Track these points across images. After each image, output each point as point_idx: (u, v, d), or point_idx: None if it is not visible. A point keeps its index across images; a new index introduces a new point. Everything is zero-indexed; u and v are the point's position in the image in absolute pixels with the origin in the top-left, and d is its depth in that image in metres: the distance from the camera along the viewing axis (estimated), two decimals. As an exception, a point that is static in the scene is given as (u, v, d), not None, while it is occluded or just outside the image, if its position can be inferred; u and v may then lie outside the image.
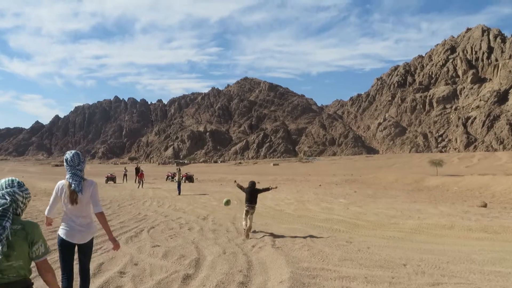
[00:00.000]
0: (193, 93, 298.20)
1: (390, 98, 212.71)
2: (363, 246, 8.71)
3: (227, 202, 11.18)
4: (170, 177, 42.63)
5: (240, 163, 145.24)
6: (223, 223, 12.04)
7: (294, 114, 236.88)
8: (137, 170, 35.15)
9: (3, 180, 2.85)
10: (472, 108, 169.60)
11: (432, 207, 16.49)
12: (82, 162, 4.41)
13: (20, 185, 2.87)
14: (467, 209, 15.66)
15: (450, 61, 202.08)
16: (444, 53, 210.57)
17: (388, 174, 45.62)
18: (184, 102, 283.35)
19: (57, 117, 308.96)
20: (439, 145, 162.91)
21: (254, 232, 10.38)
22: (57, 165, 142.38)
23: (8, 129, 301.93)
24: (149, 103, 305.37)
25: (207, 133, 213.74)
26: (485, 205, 17.11)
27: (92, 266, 6.61)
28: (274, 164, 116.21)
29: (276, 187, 11.62)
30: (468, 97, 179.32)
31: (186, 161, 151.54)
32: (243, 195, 11.24)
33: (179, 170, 27.64)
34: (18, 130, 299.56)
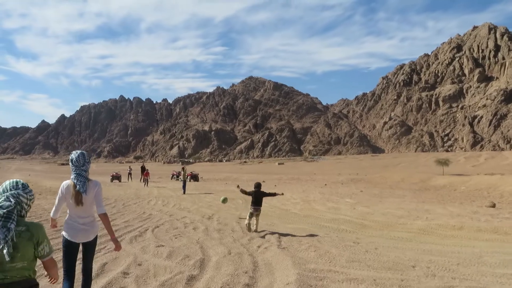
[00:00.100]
0: (198, 93, 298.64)
1: (395, 97, 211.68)
2: (371, 247, 8.55)
3: (224, 200, 11.98)
4: (175, 176, 42.60)
5: (245, 162, 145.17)
6: (228, 222, 11.91)
7: (299, 113, 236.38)
8: (143, 169, 35.18)
9: (7, 182, 2.88)
10: (479, 107, 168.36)
11: (440, 207, 16.27)
12: (87, 162, 4.43)
13: (25, 186, 2.91)
14: (476, 210, 15.42)
15: (457, 59, 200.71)
16: (451, 51, 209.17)
17: (394, 174, 45.31)
18: (189, 101, 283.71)
19: (63, 116, 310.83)
20: (445, 144, 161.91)
21: (260, 232, 10.24)
22: (63, 164, 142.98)
23: (14, 128, 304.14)
24: (154, 102, 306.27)
25: (212, 132, 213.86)
26: (494, 206, 16.86)
27: (95, 266, 6.51)
28: (279, 163, 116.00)
29: (282, 194, 11.45)
30: (475, 96, 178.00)
31: (191, 160, 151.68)
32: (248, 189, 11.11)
33: (184, 169, 27.58)
34: (25, 129, 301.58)
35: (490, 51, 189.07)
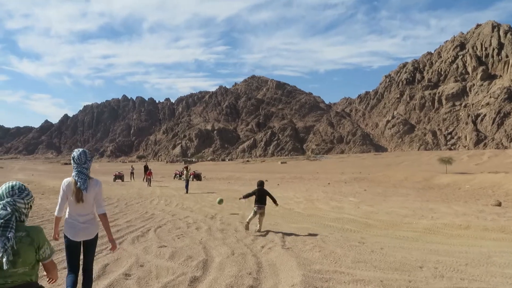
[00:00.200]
0: (200, 92, 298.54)
1: (398, 96, 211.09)
2: (377, 247, 8.41)
3: (220, 201, 12.61)
4: (178, 175, 42.55)
5: (247, 161, 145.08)
6: (231, 222, 11.80)
7: (301, 112, 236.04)
8: (146, 168, 35.16)
9: (3, 187, 2.84)
10: (482, 105, 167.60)
11: (445, 206, 16.10)
12: (89, 161, 4.48)
13: (21, 190, 2.87)
14: (481, 208, 15.25)
15: (460, 57, 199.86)
16: (454, 49, 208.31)
17: (397, 172, 45.06)
18: (192, 101, 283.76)
19: (66, 116, 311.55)
20: (448, 143, 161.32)
21: (264, 231, 10.12)
22: (66, 164, 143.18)
23: (18, 128, 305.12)
24: (157, 102, 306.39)
25: (215, 132, 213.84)
26: (499, 204, 16.68)
27: (97, 267, 6.42)
28: (282, 162, 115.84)
29: (277, 205, 11.13)
30: (478, 94, 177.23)
31: (194, 159, 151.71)
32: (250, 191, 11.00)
33: (187, 168, 27.47)
34: (28, 129, 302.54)
35: (493, 49, 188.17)
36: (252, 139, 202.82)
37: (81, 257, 4.59)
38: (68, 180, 4.43)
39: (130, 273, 6.22)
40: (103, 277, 6.01)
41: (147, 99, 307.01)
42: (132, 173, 40.77)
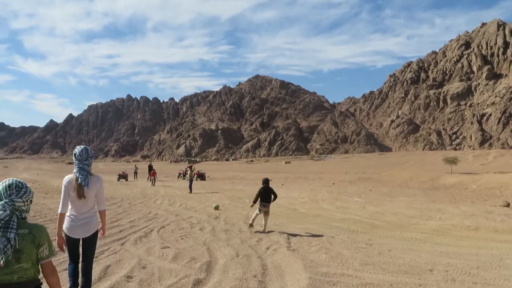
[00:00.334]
0: (204, 91, 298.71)
1: (403, 95, 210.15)
2: (384, 248, 8.22)
3: (217, 207, 14.75)
4: (181, 175, 42.46)
5: (251, 161, 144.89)
6: (235, 223, 11.63)
7: (305, 112, 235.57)
8: (150, 168, 35.08)
9: (0, 187, 2.84)
10: (487, 104, 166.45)
11: (453, 207, 15.86)
12: (90, 157, 4.51)
13: (19, 188, 2.86)
14: (490, 209, 14.98)
15: (465, 57, 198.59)
16: (459, 48, 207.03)
17: (402, 172, 44.72)
18: (196, 100, 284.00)
19: (70, 115, 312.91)
20: (453, 143, 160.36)
21: (268, 232, 9.95)
22: (70, 163, 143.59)
23: (23, 127, 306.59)
24: (161, 101, 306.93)
25: (219, 131, 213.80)
26: (508, 205, 16.42)
27: (98, 268, 6.27)
28: (286, 162, 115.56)
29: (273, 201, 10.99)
30: (483, 94, 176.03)
31: (198, 159, 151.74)
32: (255, 192, 10.83)
33: (191, 167, 27.31)
34: (33, 129, 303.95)
35: (499, 48, 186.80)
36: (256, 138, 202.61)
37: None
38: (69, 176, 4.45)
39: (132, 275, 6.07)
40: (104, 279, 5.86)
41: (151, 99, 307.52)
42: (135, 172, 40.70)
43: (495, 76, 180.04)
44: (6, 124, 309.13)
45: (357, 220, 12.43)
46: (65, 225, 4.43)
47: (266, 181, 10.57)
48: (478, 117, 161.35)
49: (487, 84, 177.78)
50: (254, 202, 10.47)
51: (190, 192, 22.80)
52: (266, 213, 10.24)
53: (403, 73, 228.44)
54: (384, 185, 30.66)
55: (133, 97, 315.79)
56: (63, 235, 4.52)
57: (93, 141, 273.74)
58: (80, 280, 4.63)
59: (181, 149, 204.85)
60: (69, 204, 4.43)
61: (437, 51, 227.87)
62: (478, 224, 11.16)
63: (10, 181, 2.87)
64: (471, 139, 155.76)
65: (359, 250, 8.06)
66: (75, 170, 4.44)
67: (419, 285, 5.71)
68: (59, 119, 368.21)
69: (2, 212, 2.70)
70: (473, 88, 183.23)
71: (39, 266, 2.86)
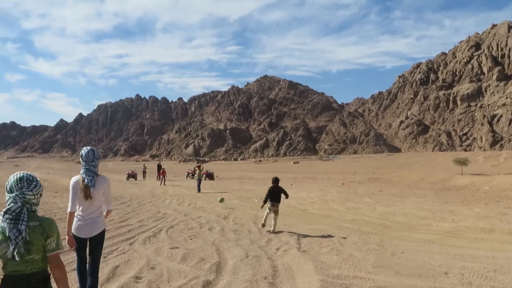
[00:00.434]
0: (213, 91, 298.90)
1: (412, 96, 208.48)
2: (397, 250, 8.04)
3: (221, 200, 15.52)
4: (190, 174, 42.47)
5: (260, 161, 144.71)
6: (245, 223, 11.52)
7: (314, 112, 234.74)
8: (159, 167, 35.16)
9: (12, 180, 2.89)
10: (498, 106, 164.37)
11: (465, 208, 15.58)
12: (97, 158, 4.58)
13: (29, 182, 2.90)
14: (504, 211, 14.68)
15: (475, 58, 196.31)
16: (469, 50, 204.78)
17: (412, 173, 44.22)
18: (204, 100, 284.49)
19: (80, 115, 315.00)
20: (463, 144, 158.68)
21: (278, 233, 9.82)
22: (80, 162, 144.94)
23: (34, 127, 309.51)
24: (170, 101, 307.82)
25: (227, 131, 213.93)
26: (521, 207, 16.10)
27: (107, 269, 6.20)
28: (294, 162, 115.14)
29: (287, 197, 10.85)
30: (494, 95, 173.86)
31: (206, 159, 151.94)
32: (264, 192, 10.71)
33: (200, 167, 27.28)
34: (44, 128, 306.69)
35: (509, 50, 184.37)
36: (265, 139, 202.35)
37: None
38: (76, 177, 4.51)
39: (141, 276, 5.99)
40: (113, 280, 5.79)
41: (160, 99, 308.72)
42: (144, 172, 40.81)
43: (506, 77, 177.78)
44: (18, 123, 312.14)
45: (367, 221, 12.24)
46: (73, 226, 4.50)
47: (275, 180, 10.45)
48: (489, 118, 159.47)
49: (498, 85, 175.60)
50: (265, 202, 10.36)
51: (199, 191, 22.74)
52: (276, 213, 10.12)
53: (412, 74, 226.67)
54: (393, 186, 30.33)
55: (142, 97, 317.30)
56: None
57: (103, 140, 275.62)
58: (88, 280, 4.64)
59: (190, 149, 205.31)
60: (77, 204, 4.49)
61: (447, 52, 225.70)
62: (493, 226, 10.91)
63: (21, 175, 2.93)
64: (481, 140, 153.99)
65: (371, 251, 7.91)
66: (82, 171, 4.51)
67: (435, 288, 5.54)
68: (69, 119, 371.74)
69: (13, 204, 2.78)
70: (483, 89, 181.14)
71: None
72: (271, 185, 10.49)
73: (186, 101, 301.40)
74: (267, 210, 10.26)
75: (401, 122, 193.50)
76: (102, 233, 4.65)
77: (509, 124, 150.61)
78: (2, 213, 2.78)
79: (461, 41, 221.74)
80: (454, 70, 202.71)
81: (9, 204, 2.80)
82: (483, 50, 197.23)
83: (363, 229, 10.81)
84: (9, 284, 2.74)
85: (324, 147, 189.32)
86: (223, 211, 14.25)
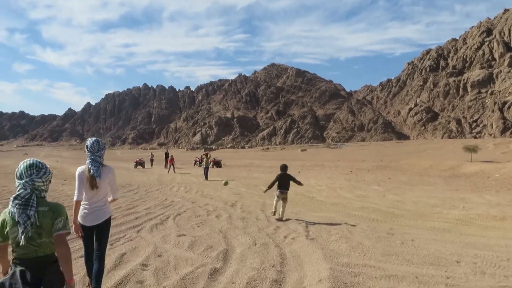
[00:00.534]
0: (220, 80, 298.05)
1: (421, 83, 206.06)
2: (407, 238, 7.91)
3: (226, 183, 15.77)
4: (197, 162, 42.53)
5: (267, 148, 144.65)
6: (252, 210, 11.44)
7: (322, 100, 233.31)
8: (167, 155, 35.23)
9: (22, 167, 2.95)
10: (509, 92, 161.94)
11: (476, 196, 15.35)
12: (102, 149, 4.66)
13: (39, 169, 2.97)
14: (516, 199, 14.46)
15: (486, 44, 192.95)
16: (480, 35, 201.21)
17: (421, 160, 43.81)
18: (212, 89, 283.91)
19: (88, 104, 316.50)
20: (473, 131, 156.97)
21: (286, 220, 9.72)
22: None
23: (43, 116, 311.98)
24: (177, 90, 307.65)
25: (235, 119, 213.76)
26: (533, 194, 15.84)
27: (114, 256, 6.16)
28: (302, 150, 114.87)
29: (302, 185, 10.66)
30: (505, 81, 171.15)
31: (213, 147, 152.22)
32: (271, 180, 10.57)
33: (207, 155, 27.24)
34: (52, 117, 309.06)
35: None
36: (272, 126, 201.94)
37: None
38: (82, 168, 4.59)
39: (148, 263, 5.93)
40: (120, 267, 5.74)
41: (167, 87, 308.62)
42: (152, 160, 40.92)
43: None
44: (27, 112, 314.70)
45: (376, 208, 12.11)
46: (78, 214, 4.58)
47: (284, 168, 10.33)
48: (500, 105, 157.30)
49: (509, 71, 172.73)
50: (269, 187, 10.24)
51: (206, 179, 22.73)
52: (284, 200, 10.02)
53: (422, 61, 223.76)
54: (402, 174, 30.08)
55: (149, 86, 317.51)
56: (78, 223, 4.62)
57: (111, 129, 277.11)
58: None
59: (197, 137, 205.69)
60: (84, 194, 4.56)
61: (457, 38, 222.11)
62: (505, 214, 10.71)
63: (31, 161, 2.99)
64: (492, 127, 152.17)
65: (381, 239, 7.78)
66: (87, 161, 4.58)
67: (447, 277, 5.42)
68: (77, 108, 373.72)
69: (23, 190, 2.85)
70: (494, 76, 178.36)
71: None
72: (279, 172, 10.37)
73: (193, 89, 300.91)
74: (276, 198, 10.17)
75: (410, 109, 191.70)
76: (108, 221, 4.71)
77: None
78: (12, 198, 2.86)
79: (472, 27, 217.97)
80: (464, 56, 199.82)
81: (18, 190, 2.87)
82: (495, 36, 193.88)
83: (372, 217, 10.68)
84: (19, 266, 2.82)
85: (332, 135, 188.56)
86: (230, 198, 14.18)
